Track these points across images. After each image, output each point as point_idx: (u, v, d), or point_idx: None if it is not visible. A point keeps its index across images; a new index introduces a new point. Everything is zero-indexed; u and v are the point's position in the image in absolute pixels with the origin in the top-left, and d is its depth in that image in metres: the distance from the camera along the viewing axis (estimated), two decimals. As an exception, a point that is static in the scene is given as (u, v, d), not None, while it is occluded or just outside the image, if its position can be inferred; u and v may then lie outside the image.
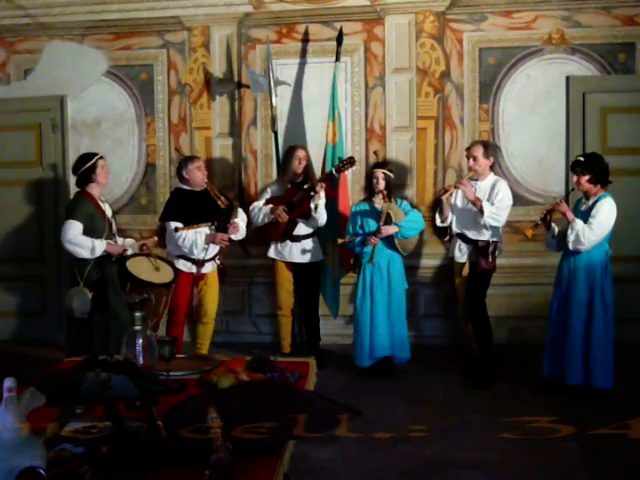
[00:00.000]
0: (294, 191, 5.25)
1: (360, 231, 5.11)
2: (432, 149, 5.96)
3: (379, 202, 5.05)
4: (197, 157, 5.33)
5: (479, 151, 4.88)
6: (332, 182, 5.48)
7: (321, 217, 5.26)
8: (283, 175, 5.39)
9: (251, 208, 5.39)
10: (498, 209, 4.77)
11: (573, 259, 4.51)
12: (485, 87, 5.89)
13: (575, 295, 4.48)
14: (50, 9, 6.22)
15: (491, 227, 4.81)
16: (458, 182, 4.95)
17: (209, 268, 5.11)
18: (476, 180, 4.92)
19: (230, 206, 5.05)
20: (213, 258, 5.10)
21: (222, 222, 4.99)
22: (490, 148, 5.02)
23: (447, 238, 5.28)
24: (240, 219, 5.15)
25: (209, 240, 4.96)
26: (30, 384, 1.83)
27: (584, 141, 5.75)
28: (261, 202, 5.37)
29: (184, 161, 5.16)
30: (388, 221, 4.95)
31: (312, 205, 5.17)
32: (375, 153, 5.39)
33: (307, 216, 5.28)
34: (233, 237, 5.09)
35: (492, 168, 5.03)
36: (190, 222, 4.95)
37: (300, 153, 5.32)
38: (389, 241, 5.01)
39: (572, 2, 5.73)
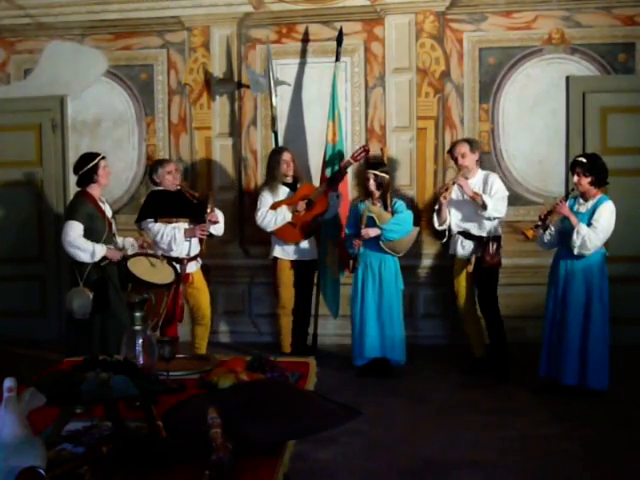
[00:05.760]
0: (308, 190, 5.35)
1: (354, 230, 5.09)
2: (432, 149, 5.96)
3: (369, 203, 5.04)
4: (169, 161, 5.21)
5: (466, 147, 4.93)
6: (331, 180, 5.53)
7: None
8: (275, 179, 5.32)
9: (260, 214, 5.27)
10: (498, 201, 4.84)
11: (570, 261, 4.49)
12: (485, 87, 5.89)
13: (573, 296, 4.47)
14: (50, 9, 6.22)
15: (492, 220, 4.87)
16: (455, 179, 4.96)
17: (193, 268, 5.06)
18: (467, 178, 4.93)
19: (205, 196, 4.99)
20: (195, 257, 5.05)
21: (199, 216, 4.94)
22: (474, 143, 5.06)
23: (444, 240, 5.27)
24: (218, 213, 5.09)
25: (188, 234, 4.91)
26: (30, 384, 1.82)
27: (584, 141, 5.75)
28: (266, 208, 5.27)
29: (154, 165, 5.08)
30: (372, 223, 4.93)
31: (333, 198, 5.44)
32: (381, 150, 5.46)
33: (322, 215, 5.41)
34: (213, 231, 5.03)
35: (479, 164, 5.08)
36: (167, 217, 4.92)
37: (286, 156, 5.33)
38: (379, 242, 4.97)
39: (572, 2, 5.73)
